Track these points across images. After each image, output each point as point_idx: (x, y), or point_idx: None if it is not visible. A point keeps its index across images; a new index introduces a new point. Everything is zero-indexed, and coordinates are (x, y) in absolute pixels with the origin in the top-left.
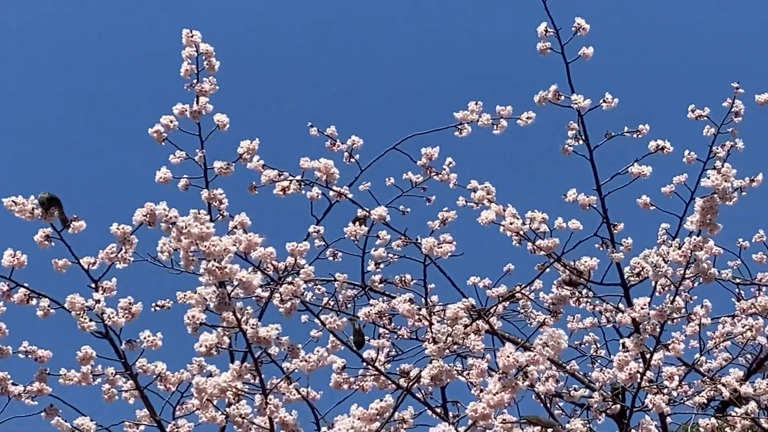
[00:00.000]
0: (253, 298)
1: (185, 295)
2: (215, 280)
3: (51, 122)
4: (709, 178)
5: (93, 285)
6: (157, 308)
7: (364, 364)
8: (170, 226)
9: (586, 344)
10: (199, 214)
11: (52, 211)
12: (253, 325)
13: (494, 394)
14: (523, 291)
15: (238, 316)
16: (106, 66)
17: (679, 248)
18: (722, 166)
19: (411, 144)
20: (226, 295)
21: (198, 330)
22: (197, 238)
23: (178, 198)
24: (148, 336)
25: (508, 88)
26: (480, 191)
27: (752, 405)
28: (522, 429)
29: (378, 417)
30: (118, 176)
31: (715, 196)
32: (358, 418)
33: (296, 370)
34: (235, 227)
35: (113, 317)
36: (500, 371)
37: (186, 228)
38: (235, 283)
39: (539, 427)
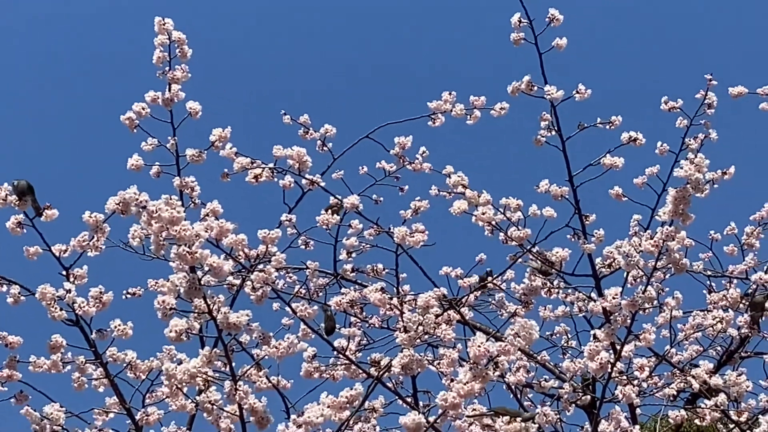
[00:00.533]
0: (225, 285)
1: (156, 283)
2: (185, 265)
3: (23, 110)
4: (682, 168)
5: (64, 272)
6: (128, 296)
7: (335, 352)
8: (141, 210)
9: (557, 335)
10: (170, 199)
11: (25, 198)
12: (223, 312)
13: (464, 384)
14: (494, 281)
15: (209, 302)
16: (78, 53)
17: (652, 238)
18: (695, 157)
19: (384, 133)
20: (196, 280)
21: (168, 316)
22: (168, 222)
23: (150, 185)
24: (119, 325)
25: (482, 78)
26: (455, 177)
27: (722, 397)
28: (492, 420)
29: (348, 405)
30: (90, 163)
31: (688, 186)
32: (328, 406)
33: (266, 357)
34: (207, 214)
35: (84, 306)
36: (471, 361)
37: (157, 212)
38: (206, 268)
39: (508, 417)
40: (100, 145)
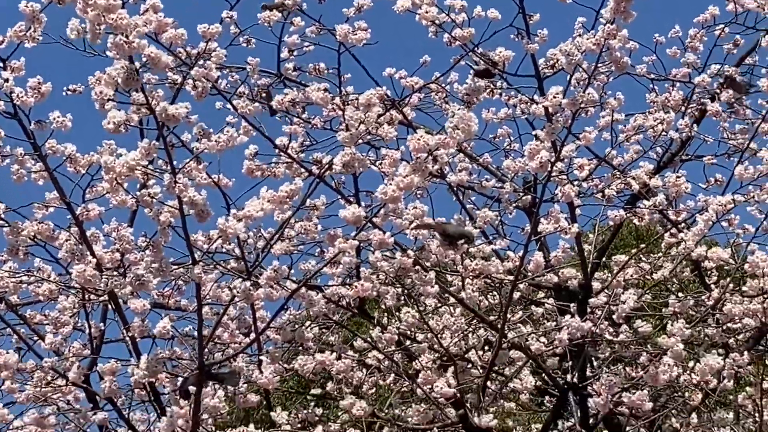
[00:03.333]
0: (166, 84)
1: (96, 78)
2: (123, 54)
3: None
4: None
5: (1, 64)
6: (69, 92)
7: (277, 151)
8: None
9: (500, 137)
10: None
11: None
12: (162, 103)
13: (404, 177)
14: (438, 82)
15: (147, 94)
16: None
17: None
18: None
19: None
20: (134, 69)
21: (106, 107)
22: (104, 10)
23: None
24: (58, 117)
25: None
26: None
27: (660, 197)
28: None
29: (288, 200)
30: None
31: None
32: (269, 201)
33: (207, 153)
34: (147, 10)
35: (22, 97)
36: (411, 154)
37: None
38: (144, 59)
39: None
40: None
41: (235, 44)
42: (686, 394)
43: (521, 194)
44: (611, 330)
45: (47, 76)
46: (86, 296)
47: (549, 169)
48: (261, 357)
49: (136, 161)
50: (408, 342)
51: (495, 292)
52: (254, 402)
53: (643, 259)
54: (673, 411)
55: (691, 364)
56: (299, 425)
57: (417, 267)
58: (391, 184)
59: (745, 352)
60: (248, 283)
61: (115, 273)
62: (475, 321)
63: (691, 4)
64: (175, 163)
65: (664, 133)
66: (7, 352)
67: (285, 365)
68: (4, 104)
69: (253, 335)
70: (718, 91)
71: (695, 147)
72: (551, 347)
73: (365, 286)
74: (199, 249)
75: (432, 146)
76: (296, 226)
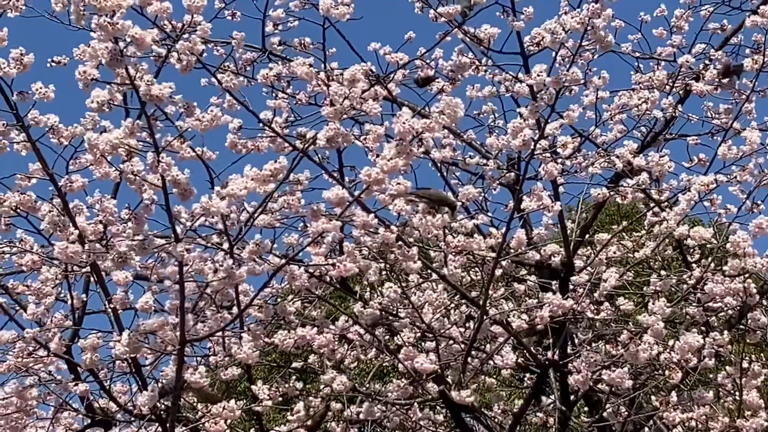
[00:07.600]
0: (151, 57)
1: (81, 51)
2: (107, 36)
3: None
4: None
5: None
6: (53, 64)
7: (261, 125)
8: None
9: (484, 114)
10: None
11: None
12: (147, 81)
13: (389, 160)
14: (423, 58)
15: (132, 72)
16: None
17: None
18: None
19: None
20: (118, 50)
21: (90, 86)
22: None
23: None
24: (40, 87)
25: None
26: None
27: (644, 176)
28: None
29: (272, 178)
30: None
31: None
32: (252, 179)
33: (190, 129)
34: None
35: (4, 68)
36: (396, 137)
37: None
38: (128, 39)
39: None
40: None
41: (220, 17)
42: (666, 372)
43: (505, 171)
44: (593, 308)
45: (30, 47)
46: (68, 267)
47: (532, 146)
48: (243, 334)
49: (119, 140)
50: (390, 317)
51: (477, 269)
52: (235, 375)
53: (626, 237)
54: (652, 389)
55: (671, 342)
56: (280, 399)
57: (400, 242)
58: (375, 167)
59: (726, 331)
60: (230, 262)
61: (97, 245)
62: (457, 297)
63: None
64: (158, 136)
65: (648, 112)
66: None
67: (266, 339)
68: None
69: (235, 309)
70: (703, 70)
71: (679, 126)
72: (532, 324)
73: (348, 266)
74: (182, 224)
75: (417, 130)
76: (279, 200)
